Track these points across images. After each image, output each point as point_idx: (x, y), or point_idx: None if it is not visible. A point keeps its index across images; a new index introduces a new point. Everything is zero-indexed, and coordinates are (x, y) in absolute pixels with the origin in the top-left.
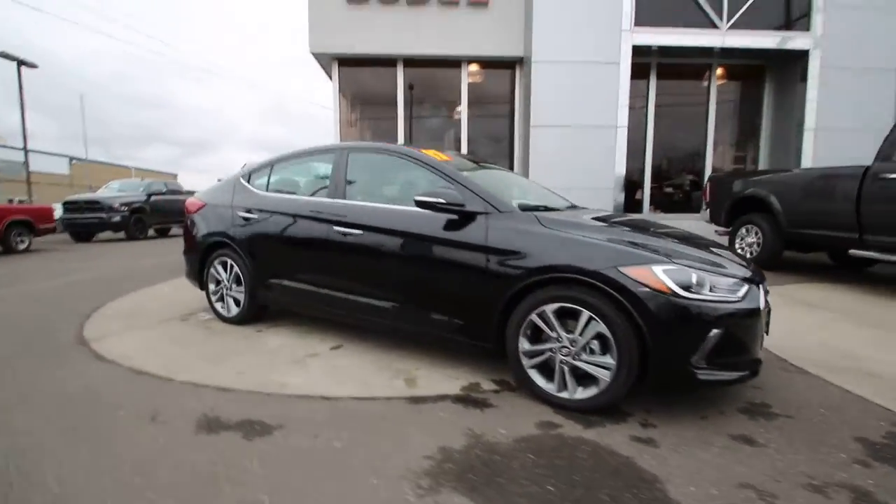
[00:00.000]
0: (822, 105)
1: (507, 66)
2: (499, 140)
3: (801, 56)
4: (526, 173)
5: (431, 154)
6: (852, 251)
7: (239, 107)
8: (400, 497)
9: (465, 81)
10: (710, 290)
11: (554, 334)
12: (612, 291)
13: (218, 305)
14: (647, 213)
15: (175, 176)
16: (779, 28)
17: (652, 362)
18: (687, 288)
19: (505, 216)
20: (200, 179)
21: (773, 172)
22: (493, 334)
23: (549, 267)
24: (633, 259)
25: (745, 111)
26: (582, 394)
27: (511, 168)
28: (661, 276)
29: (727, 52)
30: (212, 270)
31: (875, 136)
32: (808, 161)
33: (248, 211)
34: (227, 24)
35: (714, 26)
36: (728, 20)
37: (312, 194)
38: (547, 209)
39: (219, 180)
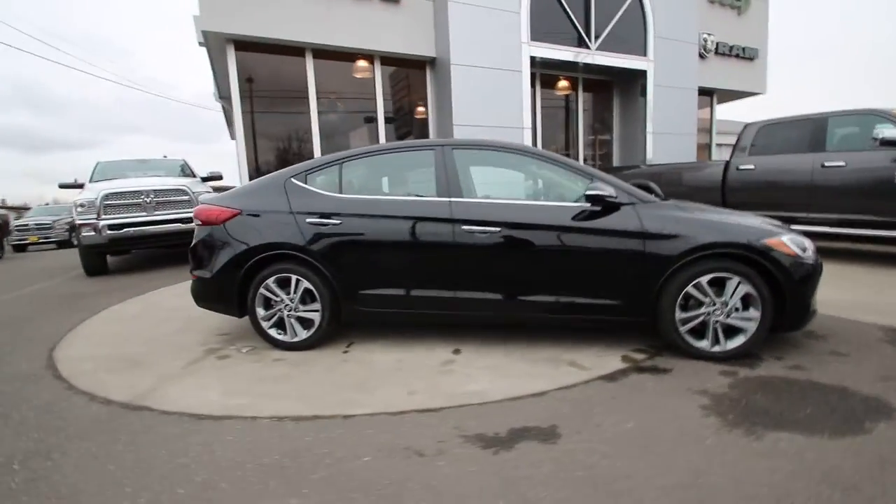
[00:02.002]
0: (655, 112)
1: (419, 65)
2: (418, 138)
3: (642, 74)
4: None
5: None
6: None
7: None
8: (733, 437)
9: (378, 77)
10: (808, 251)
11: (707, 300)
12: (759, 259)
13: (273, 332)
14: None
15: None
16: (627, 52)
17: (788, 309)
18: (803, 250)
19: (650, 205)
20: None
21: (657, 165)
22: (650, 309)
23: (709, 244)
24: (768, 233)
25: (602, 116)
26: (732, 344)
27: None
28: (789, 243)
29: (588, 68)
30: (262, 291)
31: (685, 138)
32: (651, 157)
33: (324, 216)
34: None
35: (587, 46)
36: (596, 41)
37: (403, 194)
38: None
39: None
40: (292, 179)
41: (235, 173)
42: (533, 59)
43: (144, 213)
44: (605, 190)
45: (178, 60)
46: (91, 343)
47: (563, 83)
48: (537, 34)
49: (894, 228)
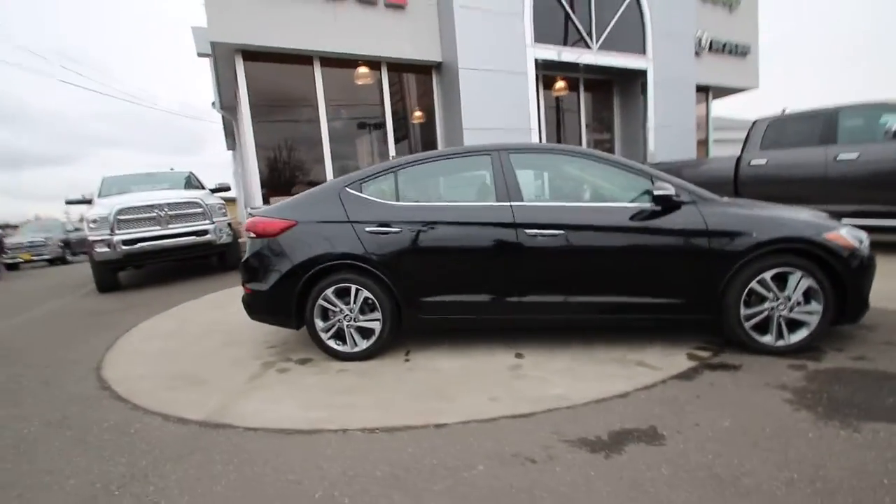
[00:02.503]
0: (656, 110)
1: (425, 70)
2: (426, 143)
3: (642, 73)
4: None
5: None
6: None
7: None
8: (832, 430)
9: (386, 84)
10: (865, 243)
11: (771, 295)
12: (820, 253)
13: (332, 343)
14: None
15: None
16: (627, 51)
17: (849, 301)
18: (860, 242)
19: (711, 203)
20: None
21: (660, 164)
22: (714, 306)
23: (773, 240)
24: (827, 227)
25: (602, 115)
26: (795, 338)
27: None
28: (847, 236)
29: (589, 68)
30: (320, 302)
31: (684, 135)
32: (652, 153)
33: (383, 224)
34: None
35: (588, 47)
36: (597, 41)
37: (460, 200)
38: None
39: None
40: (347, 189)
41: (231, 183)
42: (537, 60)
43: (159, 227)
44: (669, 190)
45: (155, 73)
46: (137, 361)
47: (565, 83)
48: (540, 36)
49: None
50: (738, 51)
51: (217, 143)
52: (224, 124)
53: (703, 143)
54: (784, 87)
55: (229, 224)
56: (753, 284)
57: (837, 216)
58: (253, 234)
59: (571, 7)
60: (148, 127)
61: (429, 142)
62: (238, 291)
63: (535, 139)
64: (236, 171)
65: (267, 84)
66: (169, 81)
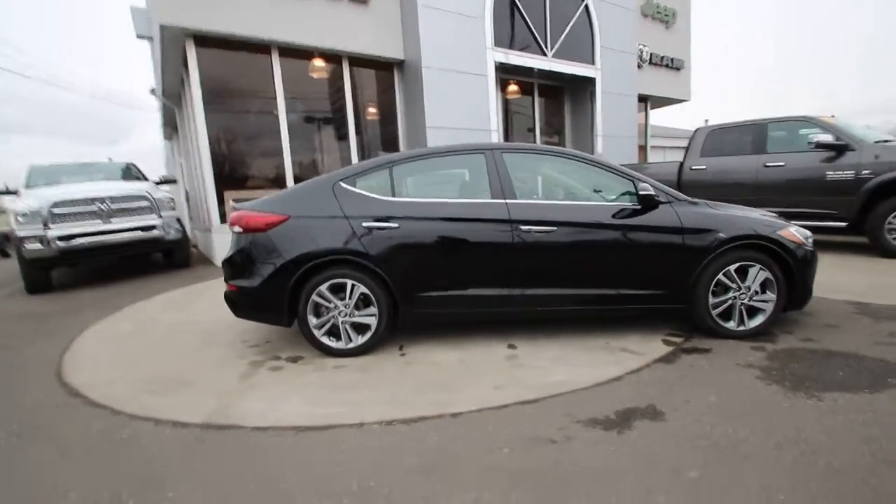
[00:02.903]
0: (603, 117)
1: (387, 67)
2: (388, 143)
3: (591, 81)
4: None
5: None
6: None
7: None
8: (800, 400)
9: (348, 79)
10: (809, 239)
11: (734, 285)
12: (775, 248)
13: (326, 339)
14: None
15: None
16: (578, 60)
17: (797, 290)
18: (806, 238)
19: (683, 203)
20: None
21: None
22: (688, 296)
23: (738, 237)
24: (781, 225)
25: (554, 121)
26: (753, 324)
27: None
28: (796, 233)
29: (543, 74)
30: (314, 298)
31: (627, 141)
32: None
33: (380, 219)
34: None
35: (544, 53)
36: (551, 49)
37: (454, 196)
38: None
39: None
40: (341, 183)
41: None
42: (496, 63)
43: (100, 222)
44: (651, 190)
45: (83, 54)
46: (103, 365)
47: (521, 88)
48: (500, 40)
49: (827, 219)
50: (674, 65)
51: (143, 133)
52: (164, 113)
53: (642, 149)
54: (712, 100)
55: (178, 219)
56: (720, 276)
57: None
58: (239, 229)
59: (528, 15)
60: (65, 113)
61: (390, 139)
62: (196, 290)
63: (494, 140)
64: (172, 162)
65: (221, 72)
66: (97, 64)
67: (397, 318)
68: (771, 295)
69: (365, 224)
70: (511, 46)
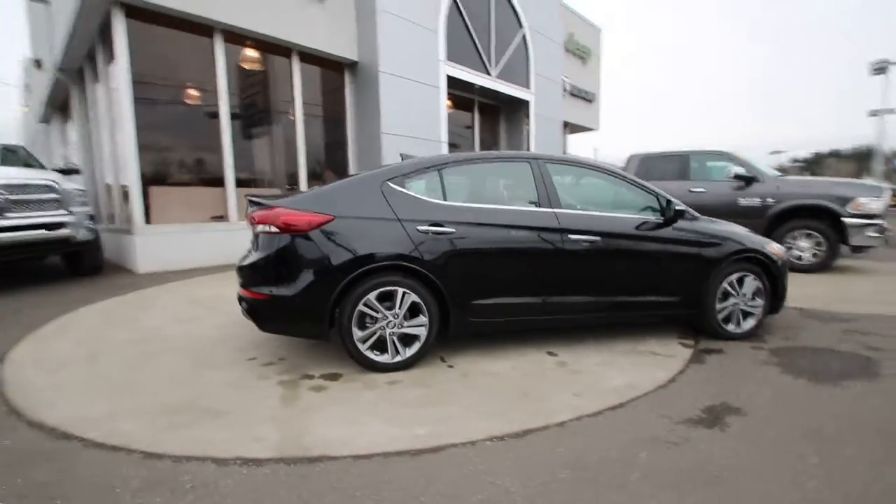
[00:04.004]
0: (538, 137)
1: (337, 67)
2: (334, 145)
3: (525, 104)
4: None
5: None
6: None
7: None
8: (825, 389)
9: (297, 75)
10: (784, 253)
11: (734, 292)
12: (765, 260)
13: (371, 354)
14: None
15: None
16: (517, 83)
17: (776, 298)
18: (783, 253)
19: (697, 219)
20: None
21: None
22: (699, 303)
23: (740, 250)
24: (767, 241)
25: (491, 139)
26: (746, 326)
27: (347, 172)
28: (777, 248)
29: (484, 93)
30: (361, 308)
31: None
32: None
33: (435, 224)
34: None
35: (489, 73)
36: (496, 69)
37: (502, 203)
38: None
39: None
40: (389, 184)
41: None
42: (448, 77)
43: None
44: (682, 206)
45: None
46: (76, 396)
47: (464, 104)
48: (452, 55)
49: None
50: (587, 97)
51: None
52: (52, 91)
53: None
54: (616, 131)
55: (91, 216)
56: (725, 285)
57: None
58: (274, 229)
59: (476, 36)
60: None
61: (339, 142)
62: (131, 302)
63: (444, 152)
64: (46, 150)
65: (153, 52)
66: None
67: (449, 328)
68: (760, 301)
69: (420, 228)
70: (461, 62)
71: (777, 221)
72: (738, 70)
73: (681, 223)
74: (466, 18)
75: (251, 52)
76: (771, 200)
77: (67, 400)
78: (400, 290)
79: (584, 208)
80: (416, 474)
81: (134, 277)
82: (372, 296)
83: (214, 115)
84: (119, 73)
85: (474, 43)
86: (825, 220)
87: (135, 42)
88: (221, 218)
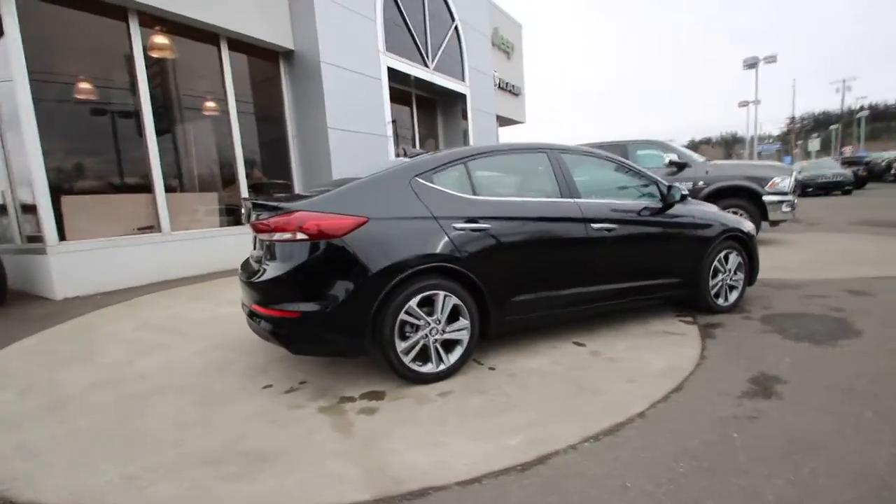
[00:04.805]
0: (475, 131)
1: (272, 56)
2: (274, 142)
3: (462, 98)
4: (328, 172)
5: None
6: None
7: None
8: (825, 349)
9: (227, 64)
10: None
11: (722, 269)
12: (744, 237)
13: (415, 365)
14: None
15: None
16: (453, 76)
17: (754, 270)
18: (754, 230)
19: (691, 201)
20: None
21: None
22: (696, 281)
23: (731, 229)
24: (741, 219)
25: (429, 133)
26: (732, 298)
27: (290, 167)
28: (750, 225)
29: (421, 86)
30: (402, 317)
31: None
32: None
33: (471, 220)
34: None
35: (427, 65)
36: (433, 62)
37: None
38: None
39: None
40: (418, 179)
41: None
42: (388, 69)
43: None
44: (685, 190)
45: None
46: (65, 461)
47: (402, 97)
48: (390, 46)
49: None
50: (514, 91)
51: None
52: None
53: None
54: (542, 124)
55: None
56: (716, 263)
57: None
58: (302, 236)
59: (413, 27)
60: None
61: (278, 138)
62: (65, 334)
63: (390, 147)
64: None
65: (55, 33)
66: None
67: (489, 328)
68: (741, 275)
69: (457, 226)
70: (400, 54)
71: (707, 202)
72: (637, 68)
73: (678, 207)
74: (402, 8)
75: (169, 39)
76: (702, 184)
77: (54, 468)
78: (441, 294)
79: (599, 197)
80: (542, 491)
81: (53, 306)
82: (413, 302)
83: (131, 113)
84: (9, 55)
85: (411, 34)
86: (747, 199)
87: (31, 17)
88: (151, 228)
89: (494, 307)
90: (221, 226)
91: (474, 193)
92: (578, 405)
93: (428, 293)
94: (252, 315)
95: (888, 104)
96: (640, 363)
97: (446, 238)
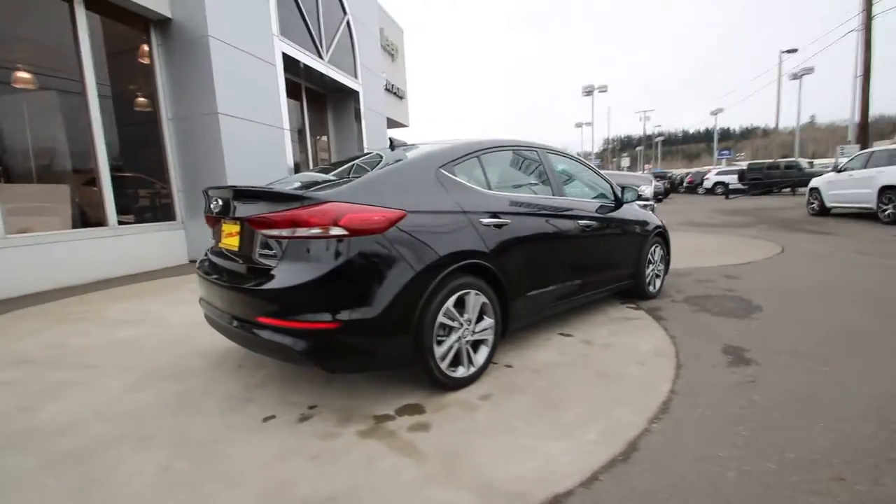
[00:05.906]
0: (367, 130)
1: (140, 23)
2: (147, 125)
3: (355, 95)
4: (220, 164)
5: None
6: None
7: None
8: (748, 322)
9: (83, 26)
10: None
11: (652, 260)
12: (664, 232)
13: (450, 371)
14: None
15: None
16: (346, 72)
17: (668, 260)
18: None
19: (630, 203)
20: None
21: None
22: (638, 272)
23: (658, 227)
24: (658, 217)
25: (319, 129)
26: (658, 285)
27: (165, 157)
28: (663, 223)
29: (310, 77)
30: (440, 319)
31: None
32: None
33: (494, 215)
34: None
35: (321, 57)
36: (327, 53)
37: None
38: None
39: None
40: (441, 170)
41: None
42: (283, 55)
43: None
44: (644, 192)
45: None
46: None
47: (292, 88)
48: (284, 31)
49: None
50: (399, 93)
51: None
52: None
53: None
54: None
55: None
56: (649, 255)
57: None
58: (338, 231)
59: (306, 14)
60: None
61: (149, 122)
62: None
63: (287, 140)
64: None
65: None
66: None
67: (509, 325)
68: (663, 266)
69: (483, 221)
70: (293, 40)
71: None
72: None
73: (625, 207)
74: None
75: None
76: None
77: None
78: (472, 293)
79: (574, 196)
80: (659, 474)
81: None
82: (450, 303)
83: None
84: None
85: (305, 21)
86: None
87: None
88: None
89: (514, 303)
90: (75, 227)
91: (488, 188)
92: (615, 391)
93: (461, 293)
94: (250, 328)
95: (674, 132)
96: (630, 347)
97: (476, 233)
